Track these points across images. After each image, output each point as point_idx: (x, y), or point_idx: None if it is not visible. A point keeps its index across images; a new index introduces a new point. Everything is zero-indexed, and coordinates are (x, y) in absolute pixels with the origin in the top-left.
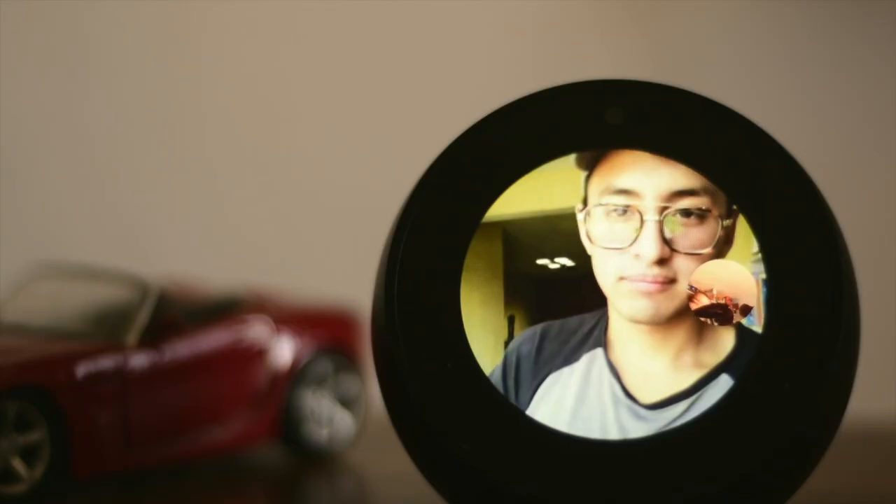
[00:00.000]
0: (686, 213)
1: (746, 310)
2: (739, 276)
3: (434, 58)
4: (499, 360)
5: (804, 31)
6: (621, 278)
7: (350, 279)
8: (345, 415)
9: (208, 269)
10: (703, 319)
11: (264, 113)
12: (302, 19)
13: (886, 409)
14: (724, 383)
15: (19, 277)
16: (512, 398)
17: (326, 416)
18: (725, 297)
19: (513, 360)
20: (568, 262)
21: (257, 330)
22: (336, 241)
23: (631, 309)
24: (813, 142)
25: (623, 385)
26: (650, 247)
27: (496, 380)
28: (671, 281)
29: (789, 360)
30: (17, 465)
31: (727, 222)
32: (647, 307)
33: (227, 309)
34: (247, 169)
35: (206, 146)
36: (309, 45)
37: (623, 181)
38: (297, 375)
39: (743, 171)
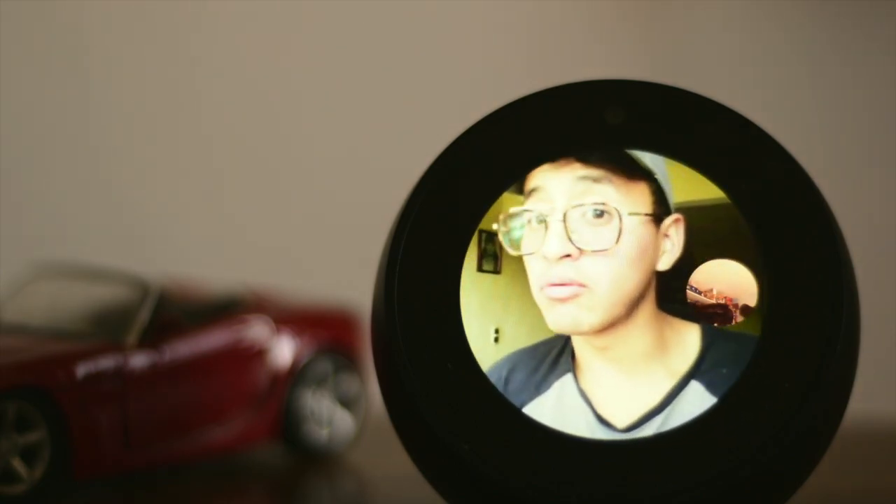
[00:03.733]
0: (593, 213)
1: (747, 310)
2: (739, 275)
3: (434, 58)
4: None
5: (804, 31)
6: (541, 287)
7: (350, 279)
8: (345, 415)
9: (208, 269)
10: (662, 326)
11: (264, 113)
12: (302, 20)
13: (886, 409)
14: (695, 390)
15: (19, 277)
16: None
17: (326, 416)
18: (725, 298)
19: None
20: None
21: (257, 330)
22: (336, 241)
23: (553, 318)
24: (813, 142)
25: (596, 412)
26: (552, 244)
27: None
28: (581, 285)
29: (789, 360)
30: (17, 465)
31: (665, 223)
32: (565, 314)
33: (227, 309)
34: (247, 169)
35: (207, 146)
36: (309, 47)
37: (537, 190)
38: (297, 375)
39: (743, 171)
